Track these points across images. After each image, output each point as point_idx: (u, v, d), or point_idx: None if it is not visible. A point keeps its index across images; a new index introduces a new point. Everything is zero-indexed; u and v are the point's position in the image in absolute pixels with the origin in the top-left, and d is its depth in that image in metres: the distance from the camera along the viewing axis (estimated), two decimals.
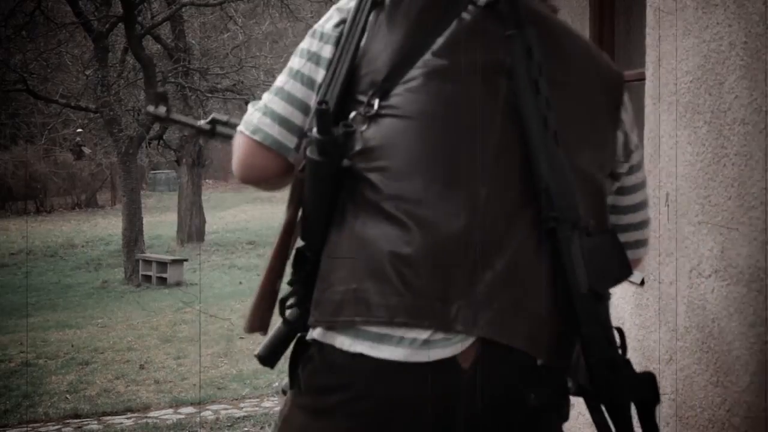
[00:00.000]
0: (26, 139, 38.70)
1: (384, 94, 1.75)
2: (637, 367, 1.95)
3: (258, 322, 1.87)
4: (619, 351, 1.80)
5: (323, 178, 1.75)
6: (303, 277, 1.82)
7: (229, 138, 2.10)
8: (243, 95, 25.12)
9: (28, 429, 7.79)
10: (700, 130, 2.52)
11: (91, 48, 22.81)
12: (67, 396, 8.56)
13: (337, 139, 1.73)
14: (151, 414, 7.88)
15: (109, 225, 32.17)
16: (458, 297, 1.68)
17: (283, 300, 1.83)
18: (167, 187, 40.71)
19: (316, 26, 1.89)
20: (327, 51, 1.84)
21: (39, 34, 23.11)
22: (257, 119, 1.87)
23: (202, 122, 2.34)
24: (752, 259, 2.33)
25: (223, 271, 19.58)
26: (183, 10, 23.64)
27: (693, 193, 2.56)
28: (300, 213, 1.82)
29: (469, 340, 1.69)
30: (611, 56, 3.80)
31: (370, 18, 1.81)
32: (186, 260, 20.06)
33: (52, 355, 10.63)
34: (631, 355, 2.93)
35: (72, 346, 11.27)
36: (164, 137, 26.35)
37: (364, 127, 1.75)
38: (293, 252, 1.85)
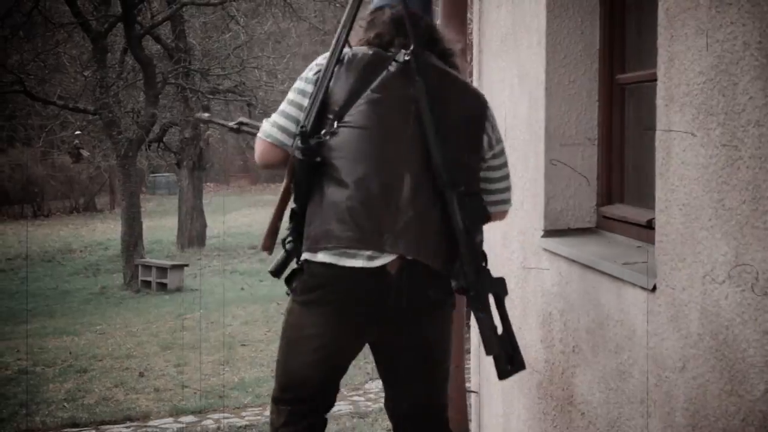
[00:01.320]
0: (23, 141, 38.68)
1: (341, 117, 3.08)
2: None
3: (268, 246, 3.29)
4: (483, 264, 3.10)
5: (304, 168, 3.07)
6: (294, 225, 3.17)
7: (252, 134, 3.48)
8: (245, 96, 25.12)
9: None
10: (713, 132, 2.46)
11: (89, 48, 22.80)
12: (65, 404, 8.50)
13: (312, 147, 3.06)
14: (151, 423, 7.84)
15: (108, 229, 32.18)
16: (386, 231, 2.99)
17: (284, 239, 3.18)
18: (167, 190, 40.70)
19: (303, 74, 3.23)
20: (309, 88, 3.18)
21: (37, 34, 23.10)
22: (268, 128, 3.25)
23: (232, 123, 3.76)
24: (767, 265, 2.27)
25: (224, 277, 19.52)
26: (183, 9, 23.62)
27: (706, 196, 2.50)
28: (292, 185, 3.15)
29: (394, 256, 2.98)
30: (621, 57, 3.77)
31: (335, 69, 3.13)
32: (186, 265, 20.01)
33: (49, 362, 10.58)
34: (643, 362, 2.89)
35: (70, 353, 11.23)
36: (164, 139, 26.33)
37: (328, 138, 3.07)
38: (289, 209, 3.20)
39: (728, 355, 2.43)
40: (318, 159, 3.03)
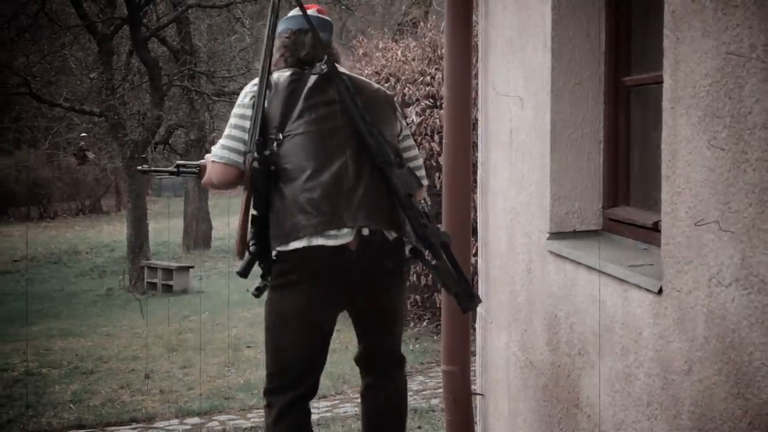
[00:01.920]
0: (29, 143, 38.74)
1: (283, 129, 3.61)
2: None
3: (240, 251, 3.63)
4: (427, 221, 3.55)
5: (262, 176, 3.55)
6: (256, 229, 3.60)
7: (192, 174, 4.02)
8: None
9: None
10: (719, 134, 2.45)
11: (95, 51, 22.82)
12: (71, 406, 8.50)
13: (267, 156, 3.56)
14: (157, 424, 7.83)
15: (114, 231, 32.19)
16: (344, 211, 3.50)
17: (248, 242, 3.61)
18: (173, 192, 40.64)
19: (239, 101, 3.73)
20: (248, 112, 3.66)
21: (43, 36, 23.11)
22: (220, 152, 3.71)
23: (170, 168, 4.11)
24: None
25: (229, 278, 19.50)
26: (189, 12, 23.62)
27: (712, 199, 2.49)
28: (253, 195, 3.58)
29: (353, 234, 3.50)
30: (627, 59, 3.77)
31: (267, 93, 3.62)
32: (192, 267, 20.00)
33: (55, 364, 10.58)
34: (649, 365, 2.88)
35: (76, 355, 11.22)
36: (170, 141, 26.35)
37: (276, 148, 3.58)
38: (250, 215, 3.61)
39: (735, 359, 2.42)
40: (272, 167, 3.54)
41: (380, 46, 13.30)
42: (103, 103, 21.30)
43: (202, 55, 25.38)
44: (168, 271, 19.30)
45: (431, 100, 11.55)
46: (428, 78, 11.82)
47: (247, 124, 3.64)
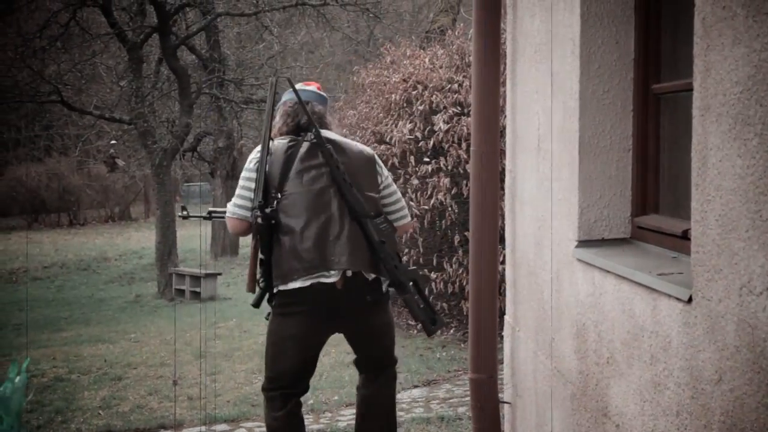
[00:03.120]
0: (60, 151, 39.05)
1: (281, 190, 4.47)
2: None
3: (251, 287, 4.53)
4: (399, 261, 4.51)
5: (264, 229, 4.41)
6: (263, 269, 4.49)
7: (220, 217, 4.93)
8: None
9: None
10: (750, 142, 2.43)
11: (125, 59, 22.92)
12: (100, 412, 8.51)
13: (268, 214, 4.40)
14: (185, 431, 7.83)
15: (143, 238, 32.37)
16: (330, 256, 4.37)
17: (257, 280, 4.53)
18: (201, 199, 40.84)
19: (246, 166, 4.59)
20: (253, 175, 4.53)
21: (74, 45, 23.23)
22: (232, 209, 4.61)
23: (204, 213, 5.14)
24: None
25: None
26: (218, 20, 23.71)
27: (743, 207, 2.47)
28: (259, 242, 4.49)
29: (339, 275, 4.38)
30: (656, 66, 3.74)
31: (268, 158, 4.49)
32: (220, 274, 20.04)
33: (84, 370, 10.60)
34: (679, 374, 2.86)
35: (105, 361, 11.25)
36: (198, 149, 26.45)
37: (276, 205, 4.43)
38: (259, 258, 4.53)
39: (766, 368, 2.40)
40: (273, 221, 4.42)
41: (408, 54, 13.29)
42: (133, 110, 21.40)
43: (230, 63, 25.46)
44: (196, 278, 19.35)
45: (459, 108, 11.53)
46: (456, 85, 11.80)
47: (253, 185, 4.53)
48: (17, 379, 6.11)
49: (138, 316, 17.30)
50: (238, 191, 4.60)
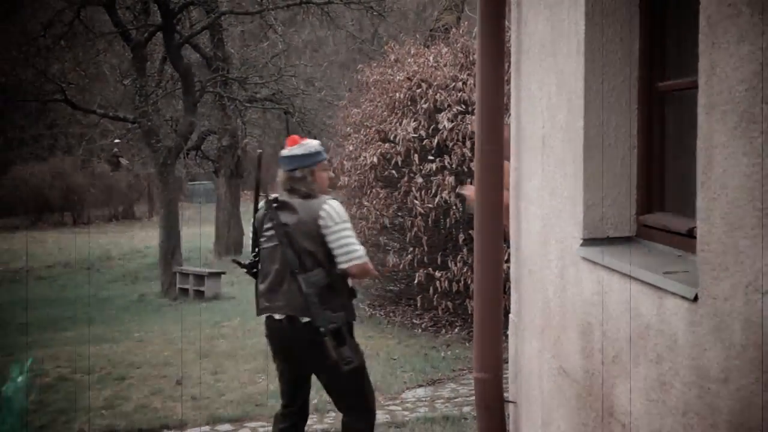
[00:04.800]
0: (64, 150, 39.10)
1: (257, 245, 5.65)
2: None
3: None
4: (323, 308, 5.25)
5: (253, 275, 5.72)
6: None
7: (242, 267, 5.85)
8: (282, 104, 25.19)
9: None
10: (755, 140, 2.41)
11: (129, 57, 23.00)
12: (103, 412, 8.50)
13: (253, 262, 5.70)
14: (188, 431, 7.83)
15: (146, 237, 32.39)
16: (275, 301, 5.44)
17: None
18: (205, 198, 40.91)
19: (252, 221, 5.76)
20: (250, 231, 5.80)
21: (78, 43, 23.27)
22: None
23: (244, 263, 5.80)
24: None
25: None
26: (222, 18, 23.75)
27: (749, 205, 2.45)
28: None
29: (283, 316, 5.39)
30: (661, 64, 3.72)
31: (258, 218, 5.66)
32: (224, 273, 20.02)
33: (88, 369, 10.58)
34: (685, 373, 2.84)
35: (108, 360, 11.24)
36: (202, 148, 26.47)
37: (256, 256, 5.67)
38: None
39: None
40: (255, 270, 5.67)
41: (412, 52, 13.28)
42: (137, 109, 21.42)
43: (234, 62, 25.50)
44: (200, 277, 19.35)
45: (463, 106, 11.52)
46: (460, 84, 11.80)
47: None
48: (20, 378, 6.10)
49: (141, 315, 17.31)
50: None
